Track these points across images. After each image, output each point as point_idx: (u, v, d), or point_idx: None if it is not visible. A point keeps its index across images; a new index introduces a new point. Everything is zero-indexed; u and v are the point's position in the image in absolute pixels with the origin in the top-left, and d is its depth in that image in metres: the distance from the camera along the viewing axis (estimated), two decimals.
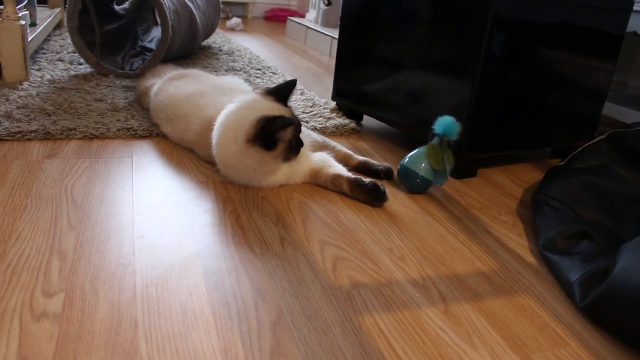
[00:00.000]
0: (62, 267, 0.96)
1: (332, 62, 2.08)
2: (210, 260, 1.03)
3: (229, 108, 1.32)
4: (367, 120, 2.01)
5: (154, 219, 1.16)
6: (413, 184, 1.41)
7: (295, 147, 1.31)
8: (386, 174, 1.49)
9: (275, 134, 1.25)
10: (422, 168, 1.38)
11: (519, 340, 0.90)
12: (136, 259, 1.00)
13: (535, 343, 0.89)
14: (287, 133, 1.27)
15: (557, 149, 1.85)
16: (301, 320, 0.89)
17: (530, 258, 1.17)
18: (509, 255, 1.17)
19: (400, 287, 1.01)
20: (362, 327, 0.89)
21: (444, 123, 1.36)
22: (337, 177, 1.37)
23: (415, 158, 1.40)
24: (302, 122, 1.82)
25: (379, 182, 1.34)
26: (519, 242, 1.23)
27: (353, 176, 1.36)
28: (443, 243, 1.19)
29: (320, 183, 1.40)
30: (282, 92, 1.36)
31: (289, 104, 1.38)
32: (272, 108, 1.31)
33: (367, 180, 1.34)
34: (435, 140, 1.38)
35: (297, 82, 2.43)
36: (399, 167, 1.44)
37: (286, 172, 1.36)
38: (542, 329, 0.93)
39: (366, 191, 1.33)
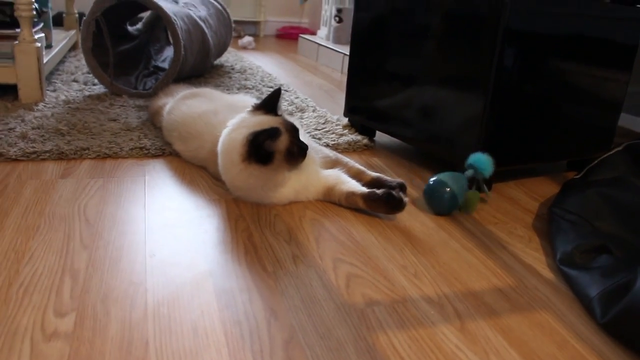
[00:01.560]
0: (73, 286, 0.95)
1: (344, 79, 2.08)
2: (222, 278, 1.02)
3: (223, 133, 1.33)
4: (380, 137, 2.00)
5: (167, 238, 1.15)
6: (440, 201, 1.39)
7: (298, 152, 1.30)
8: (400, 189, 1.47)
9: (264, 147, 1.24)
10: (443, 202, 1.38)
11: (538, 359, 0.87)
12: (148, 278, 1.00)
13: None
14: (281, 142, 1.26)
15: (573, 161, 1.83)
16: (314, 339, 0.87)
17: (547, 273, 1.14)
18: (525, 271, 1.14)
19: (414, 305, 0.99)
20: (376, 346, 0.87)
21: (478, 159, 1.39)
22: (351, 194, 1.36)
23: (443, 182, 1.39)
24: (314, 139, 1.82)
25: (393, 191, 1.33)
26: (535, 257, 1.20)
27: (367, 191, 1.35)
28: (458, 259, 1.17)
29: (334, 200, 1.39)
30: (269, 103, 1.36)
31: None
32: (261, 122, 1.30)
33: (380, 191, 1.33)
34: (468, 173, 1.40)
35: (309, 99, 2.44)
36: (425, 186, 1.42)
37: (295, 187, 1.35)
38: (562, 346, 0.91)
39: (383, 203, 1.32)
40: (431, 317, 0.96)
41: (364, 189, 1.36)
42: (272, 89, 2.55)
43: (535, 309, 1.01)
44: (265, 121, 1.31)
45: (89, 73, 2.55)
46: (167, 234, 1.17)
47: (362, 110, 1.94)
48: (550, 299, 1.05)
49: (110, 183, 1.40)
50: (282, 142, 1.27)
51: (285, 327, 0.89)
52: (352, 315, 0.94)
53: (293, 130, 1.30)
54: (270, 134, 1.23)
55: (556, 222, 1.27)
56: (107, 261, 1.04)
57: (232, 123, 1.34)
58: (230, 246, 1.14)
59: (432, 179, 1.39)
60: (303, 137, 1.49)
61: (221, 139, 1.32)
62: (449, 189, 1.36)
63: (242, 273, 1.04)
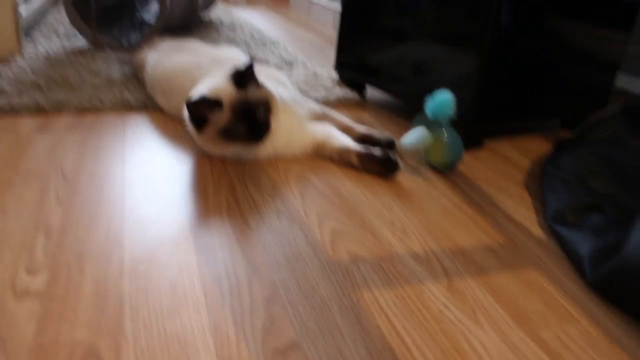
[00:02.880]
0: (47, 243, 0.92)
1: (335, 35, 2.01)
2: (202, 234, 0.98)
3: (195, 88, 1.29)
4: (370, 93, 1.94)
5: (146, 194, 1.11)
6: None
7: (242, 134, 1.20)
8: (388, 146, 1.43)
9: (195, 113, 1.20)
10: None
11: (526, 317, 0.85)
12: (125, 234, 0.96)
13: (543, 319, 0.85)
14: (217, 116, 1.19)
15: (567, 120, 1.79)
16: (296, 297, 0.84)
17: (538, 231, 1.11)
18: (516, 229, 1.12)
19: (401, 262, 0.96)
20: (360, 304, 0.84)
21: (435, 104, 1.29)
22: (345, 150, 1.32)
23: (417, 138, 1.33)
24: (302, 92, 1.77)
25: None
26: (526, 215, 1.18)
27: (362, 148, 1.31)
28: (448, 216, 1.14)
29: (325, 155, 1.35)
30: (239, 74, 1.24)
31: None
32: (217, 88, 1.22)
33: (377, 151, 1.29)
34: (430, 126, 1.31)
35: (297, 54, 2.37)
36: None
37: (273, 145, 1.30)
38: (550, 304, 0.89)
39: (378, 163, 1.28)
40: (418, 275, 0.93)
41: (359, 147, 1.32)
42: (261, 44, 2.48)
43: (524, 267, 0.99)
44: (219, 89, 1.22)
45: (70, 26, 2.46)
46: (147, 189, 1.13)
47: (353, 65, 1.88)
48: (540, 257, 1.02)
49: (89, 138, 1.36)
50: (221, 117, 1.19)
51: (267, 284, 0.87)
52: (336, 272, 0.91)
53: (243, 110, 1.19)
54: (203, 102, 1.19)
55: (549, 180, 1.24)
56: (83, 218, 1.00)
57: (214, 76, 1.28)
58: (212, 201, 1.10)
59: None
60: (287, 92, 1.44)
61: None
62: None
63: (224, 229, 1.01)
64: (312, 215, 1.09)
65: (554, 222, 1.11)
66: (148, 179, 1.17)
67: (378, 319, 0.81)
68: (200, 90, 1.23)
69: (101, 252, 0.91)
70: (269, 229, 1.02)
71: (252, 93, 1.23)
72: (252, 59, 1.27)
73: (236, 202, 1.11)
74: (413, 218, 1.12)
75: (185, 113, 1.23)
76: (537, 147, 1.59)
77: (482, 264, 0.98)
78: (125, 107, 1.56)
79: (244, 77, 1.23)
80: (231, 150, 1.26)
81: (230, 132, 1.21)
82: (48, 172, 1.16)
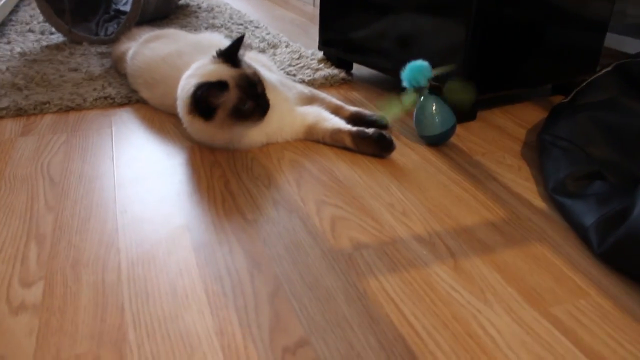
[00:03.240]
0: (40, 252, 0.89)
1: (317, 12, 1.97)
2: (199, 231, 0.96)
3: (182, 78, 1.23)
4: (358, 69, 1.91)
5: (138, 192, 1.08)
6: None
7: (250, 110, 1.18)
8: (380, 124, 1.41)
9: (205, 101, 1.15)
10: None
11: (536, 294, 0.84)
12: (120, 237, 0.93)
13: (553, 295, 0.83)
14: (226, 97, 1.15)
15: (558, 85, 1.76)
16: (301, 290, 0.82)
17: (540, 203, 1.10)
18: (517, 202, 1.10)
19: (405, 245, 0.94)
20: (367, 292, 0.82)
21: (410, 70, 1.28)
22: (337, 131, 1.29)
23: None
24: (288, 76, 1.73)
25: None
26: (526, 187, 1.16)
27: (355, 128, 1.28)
28: (447, 194, 1.12)
29: (317, 139, 1.32)
30: (230, 52, 1.22)
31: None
32: (213, 72, 1.18)
33: (370, 130, 1.26)
34: (408, 94, 1.29)
35: (281, 34, 2.32)
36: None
37: (265, 131, 1.27)
38: (559, 279, 0.87)
39: (372, 142, 1.25)
40: (423, 257, 0.91)
41: (351, 127, 1.29)
42: (241, 27, 2.43)
43: (529, 242, 0.97)
44: (217, 72, 1.19)
45: (45, 22, 2.39)
46: (138, 187, 1.10)
47: (338, 43, 1.84)
48: (545, 230, 1.01)
49: (74, 137, 1.32)
50: (229, 97, 1.16)
51: (270, 279, 0.84)
52: (339, 261, 0.89)
53: (247, 86, 1.18)
54: (211, 87, 1.14)
55: (547, 149, 1.22)
56: (75, 222, 0.97)
57: (192, 67, 1.24)
58: (207, 195, 1.07)
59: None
60: (273, 76, 1.40)
61: (180, 85, 1.23)
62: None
63: (221, 224, 0.98)
64: (310, 202, 1.06)
65: (555, 192, 1.09)
66: (138, 176, 1.14)
67: (386, 308, 0.79)
68: (193, 81, 1.18)
69: (96, 257, 0.88)
70: (267, 221, 1.00)
71: (246, 69, 1.21)
72: (242, 36, 1.24)
73: (231, 195, 1.08)
74: (412, 197, 1.10)
75: (183, 107, 1.19)
76: (530, 115, 1.57)
77: (486, 241, 0.96)
78: (109, 103, 1.52)
79: (234, 56, 1.21)
80: (238, 132, 1.23)
81: (240, 110, 1.17)
82: (35, 177, 1.12)
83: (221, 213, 1.02)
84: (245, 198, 1.07)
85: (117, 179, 1.13)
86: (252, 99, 1.18)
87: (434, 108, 1.28)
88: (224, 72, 1.19)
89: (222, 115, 1.16)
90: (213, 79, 1.15)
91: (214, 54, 1.23)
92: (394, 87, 1.74)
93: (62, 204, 1.03)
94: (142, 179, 1.13)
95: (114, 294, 0.80)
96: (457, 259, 0.91)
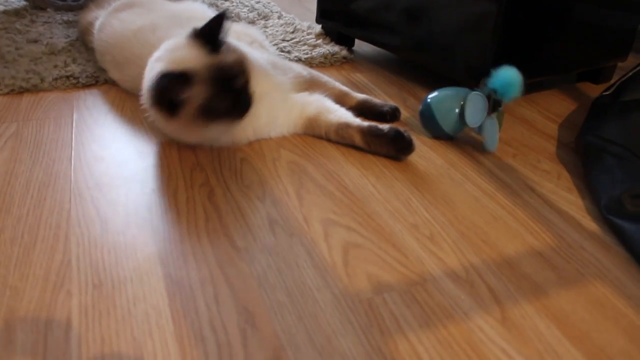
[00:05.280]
0: None
1: None
2: (175, 265, 0.75)
3: (149, 61, 1.01)
4: (360, 46, 1.68)
5: (99, 206, 0.87)
6: (438, 132, 1.13)
7: (226, 109, 0.96)
8: (392, 116, 1.20)
9: (168, 94, 0.93)
10: (450, 122, 1.10)
11: (607, 358, 0.65)
12: (73, 273, 0.73)
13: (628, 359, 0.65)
14: (193, 92, 0.93)
15: (585, 72, 1.56)
16: (309, 356, 0.63)
17: (590, 224, 0.90)
18: (564, 222, 0.90)
19: (437, 286, 0.75)
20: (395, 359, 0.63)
21: (503, 78, 1.06)
22: (345, 126, 1.08)
23: (447, 108, 1.11)
24: (282, 53, 1.51)
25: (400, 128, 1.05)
26: (571, 201, 0.96)
27: (366, 124, 1.07)
28: (480, 210, 0.92)
29: (319, 134, 1.11)
30: (208, 32, 0.98)
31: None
32: (183, 59, 0.96)
33: (385, 127, 1.05)
34: (484, 91, 1.07)
35: (273, 3, 2.08)
36: (423, 105, 1.15)
37: (253, 126, 1.06)
38: (633, 336, 0.68)
39: (388, 142, 1.04)
40: (462, 305, 0.72)
41: (362, 121, 1.08)
42: None
43: (587, 279, 0.78)
44: (187, 58, 0.96)
45: None
46: (99, 199, 0.88)
47: (338, 15, 1.61)
48: (602, 263, 0.81)
49: (26, 128, 1.09)
50: (196, 93, 0.93)
51: (268, 341, 0.64)
52: (357, 312, 0.69)
53: (223, 80, 0.95)
54: (173, 79, 0.92)
55: (594, 155, 1.02)
56: (15, 251, 0.76)
57: (161, 47, 1.01)
58: (186, 212, 0.86)
59: (431, 96, 1.13)
60: (264, 56, 1.18)
61: (147, 67, 1.00)
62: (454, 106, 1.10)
63: (203, 254, 0.77)
64: (315, 222, 0.86)
65: (610, 212, 0.90)
66: (100, 183, 0.92)
67: None
68: (158, 66, 0.95)
69: (39, 306, 0.67)
70: (262, 250, 0.79)
71: (226, 56, 0.97)
72: (224, 13, 0.98)
73: (216, 210, 0.87)
74: (438, 216, 0.90)
75: (147, 97, 0.97)
76: (558, 106, 1.36)
77: (536, 279, 0.77)
78: (72, 84, 1.29)
79: (213, 37, 0.97)
80: (212, 132, 1.01)
81: (211, 110, 0.95)
82: None
83: (204, 238, 0.81)
84: (234, 216, 0.86)
85: (75, 186, 0.91)
86: (229, 95, 0.96)
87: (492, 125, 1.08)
88: (194, 59, 0.95)
89: (189, 113, 0.94)
90: (179, 67, 0.93)
91: (191, 32, 0.99)
92: (403, 68, 1.52)
93: (2, 223, 0.81)
94: (105, 186, 0.92)
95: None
96: (504, 306, 0.72)
